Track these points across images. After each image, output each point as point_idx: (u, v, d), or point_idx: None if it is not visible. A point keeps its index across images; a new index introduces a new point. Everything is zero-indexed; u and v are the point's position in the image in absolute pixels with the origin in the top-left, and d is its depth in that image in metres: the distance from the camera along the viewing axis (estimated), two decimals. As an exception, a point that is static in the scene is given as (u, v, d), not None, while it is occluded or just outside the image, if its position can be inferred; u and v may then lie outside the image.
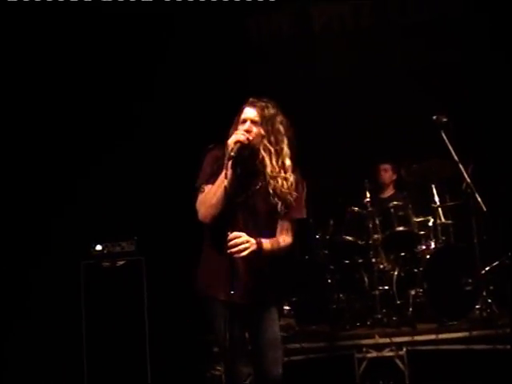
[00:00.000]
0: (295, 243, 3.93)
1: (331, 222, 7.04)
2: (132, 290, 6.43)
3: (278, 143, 3.81)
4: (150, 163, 7.40)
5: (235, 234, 3.57)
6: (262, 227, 3.80)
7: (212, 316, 3.92)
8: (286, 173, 3.79)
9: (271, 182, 3.77)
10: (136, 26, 7.36)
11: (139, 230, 6.73)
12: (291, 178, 3.80)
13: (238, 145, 3.67)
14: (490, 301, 6.05)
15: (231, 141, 3.68)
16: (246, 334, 4.05)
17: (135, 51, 7.45)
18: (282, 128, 3.85)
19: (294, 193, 3.81)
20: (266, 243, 3.69)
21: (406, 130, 7.44)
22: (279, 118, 3.86)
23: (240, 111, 3.90)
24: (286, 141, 3.84)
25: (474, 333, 5.88)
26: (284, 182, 3.77)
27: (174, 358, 6.59)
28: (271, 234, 3.84)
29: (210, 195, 3.72)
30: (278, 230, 3.86)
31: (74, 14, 7.05)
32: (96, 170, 7.29)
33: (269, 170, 3.78)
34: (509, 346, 5.68)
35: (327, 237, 7.02)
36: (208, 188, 3.78)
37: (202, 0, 7.38)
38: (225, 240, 3.60)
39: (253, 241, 3.60)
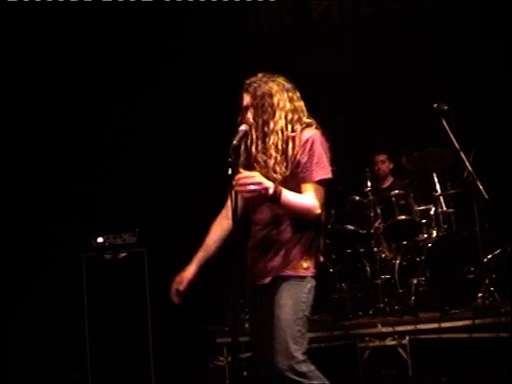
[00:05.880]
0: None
1: (332, 211, 7.00)
2: (134, 282, 6.44)
3: (265, 123, 3.64)
4: (150, 155, 7.39)
5: (246, 173, 3.34)
6: (273, 210, 3.65)
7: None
8: (271, 152, 3.61)
9: (256, 166, 3.61)
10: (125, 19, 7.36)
11: (140, 222, 6.72)
12: (277, 154, 3.61)
13: (241, 133, 3.57)
14: (492, 289, 6.05)
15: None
16: None
17: (126, 44, 7.45)
18: (274, 101, 3.66)
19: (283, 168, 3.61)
20: (287, 192, 3.44)
21: (406, 119, 7.42)
22: (273, 91, 3.68)
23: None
24: (278, 115, 3.66)
25: (477, 321, 5.87)
26: (268, 161, 3.61)
27: (176, 348, 6.60)
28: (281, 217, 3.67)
29: None
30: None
31: (67, 12, 7.06)
32: (97, 162, 7.30)
33: (253, 157, 3.66)
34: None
35: (328, 226, 6.99)
36: None
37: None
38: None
39: (267, 183, 3.35)
